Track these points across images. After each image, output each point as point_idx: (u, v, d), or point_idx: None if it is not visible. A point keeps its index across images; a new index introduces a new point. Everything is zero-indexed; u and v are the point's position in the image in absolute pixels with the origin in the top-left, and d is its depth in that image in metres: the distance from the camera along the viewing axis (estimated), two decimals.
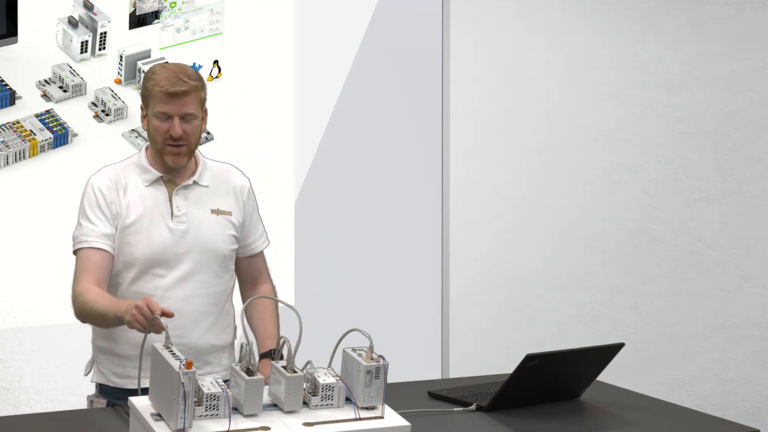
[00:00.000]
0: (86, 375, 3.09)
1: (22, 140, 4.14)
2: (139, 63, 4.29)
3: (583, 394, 3.15)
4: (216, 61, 4.43)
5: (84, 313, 2.93)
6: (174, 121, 2.92)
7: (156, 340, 2.59)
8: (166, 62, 3.06)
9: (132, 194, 2.98)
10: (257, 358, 3.02)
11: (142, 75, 4.27)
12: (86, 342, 4.28)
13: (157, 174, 3.00)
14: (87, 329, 4.03)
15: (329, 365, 2.69)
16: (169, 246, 2.97)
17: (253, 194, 3.15)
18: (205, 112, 3.05)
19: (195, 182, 3.03)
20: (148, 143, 3.05)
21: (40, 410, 4.16)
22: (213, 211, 3.04)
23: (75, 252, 2.99)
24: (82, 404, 4.24)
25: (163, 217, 2.98)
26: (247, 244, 3.14)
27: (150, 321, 2.67)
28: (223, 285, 3.07)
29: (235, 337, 3.18)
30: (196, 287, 3.01)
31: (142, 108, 3.00)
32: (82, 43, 4.21)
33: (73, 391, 4.27)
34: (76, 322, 4.25)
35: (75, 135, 4.23)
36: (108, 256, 2.95)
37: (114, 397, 2.93)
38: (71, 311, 4.16)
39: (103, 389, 3.04)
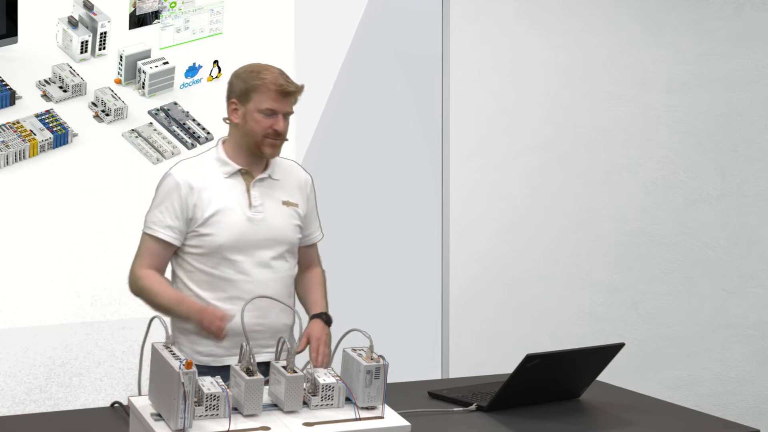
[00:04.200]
0: None
1: (22, 140, 4.14)
2: (139, 63, 4.29)
3: (583, 394, 3.15)
4: (216, 61, 4.43)
5: (141, 296, 3.17)
6: (279, 117, 3.14)
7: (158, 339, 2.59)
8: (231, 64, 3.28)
9: (212, 187, 3.16)
10: (253, 359, 3.02)
11: (143, 75, 4.28)
12: (83, 342, 4.29)
13: (236, 167, 3.19)
14: (82, 329, 4.05)
15: (329, 365, 2.70)
16: (248, 234, 3.15)
17: (314, 188, 3.38)
18: None
19: (269, 176, 3.23)
20: (225, 138, 3.23)
21: (48, 409, 4.16)
22: (284, 203, 3.24)
23: (142, 233, 3.21)
24: (89, 403, 4.25)
25: (241, 207, 3.16)
26: (307, 234, 3.34)
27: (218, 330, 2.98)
28: (291, 270, 3.27)
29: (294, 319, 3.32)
30: (272, 272, 3.18)
31: (234, 102, 3.18)
32: (82, 43, 4.21)
33: (73, 391, 4.27)
34: (75, 322, 4.27)
35: (75, 135, 4.23)
36: (167, 246, 3.17)
37: (200, 373, 2.99)
38: (67, 310, 4.17)
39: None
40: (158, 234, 3.15)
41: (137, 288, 3.16)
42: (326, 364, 3.06)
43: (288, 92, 3.14)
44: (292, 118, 3.22)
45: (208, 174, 3.18)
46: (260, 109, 3.14)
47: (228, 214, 3.14)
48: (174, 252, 3.20)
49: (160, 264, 3.17)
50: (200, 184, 3.15)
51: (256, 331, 3.10)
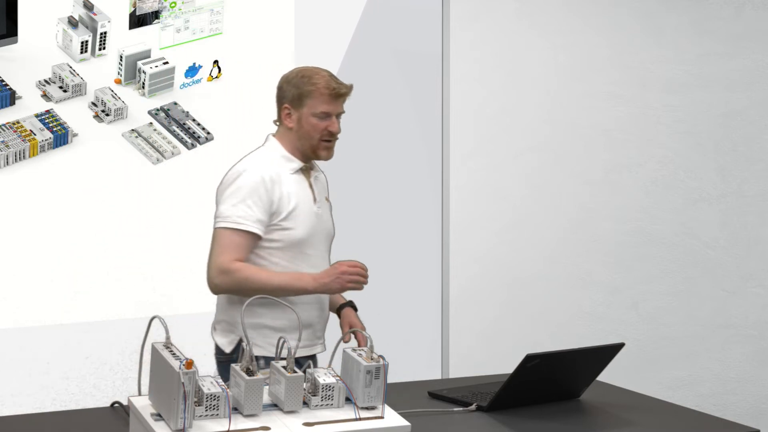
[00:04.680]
0: (229, 352, 3.27)
1: (22, 140, 4.14)
2: (139, 63, 4.29)
3: (583, 394, 3.15)
4: (216, 61, 4.43)
5: (244, 287, 3.15)
6: (333, 119, 3.26)
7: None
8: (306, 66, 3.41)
9: (286, 183, 3.25)
10: (253, 358, 3.03)
11: (143, 75, 4.28)
12: (83, 342, 4.29)
13: (300, 164, 3.30)
14: (82, 329, 4.03)
15: (329, 365, 2.70)
16: (316, 228, 3.29)
17: None
18: None
19: (316, 175, 3.38)
20: (274, 134, 3.32)
21: (39, 410, 4.16)
22: (326, 199, 3.40)
23: (222, 228, 3.19)
24: (83, 403, 4.25)
25: (309, 202, 3.29)
26: None
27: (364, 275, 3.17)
28: None
29: None
30: (326, 264, 3.32)
31: (287, 107, 3.28)
32: (82, 43, 4.21)
33: (73, 391, 4.27)
34: (72, 322, 4.27)
35: (75, 135, 4.23)
36: (255, 239, 3.21)
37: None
38: (67, 310, 4.16)
39: (267, 359, 3.20)
40: (249, 228, 3.17)
41: (234, 281, 3.16)
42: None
43: (341, 94, 3.26)
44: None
45: (278, 169, 3.26)
46: (315, 113, 3.24)
47: (302, 208, 3.25)
48: None
49: (245, 258, 3.21)
50: (278, 179, 3.23)
51: (319, 323, 3.30)
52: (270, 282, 3.16)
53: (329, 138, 3.27)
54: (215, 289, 3.19)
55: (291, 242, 3.24)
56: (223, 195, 3.23)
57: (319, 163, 3.42)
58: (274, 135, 3.33)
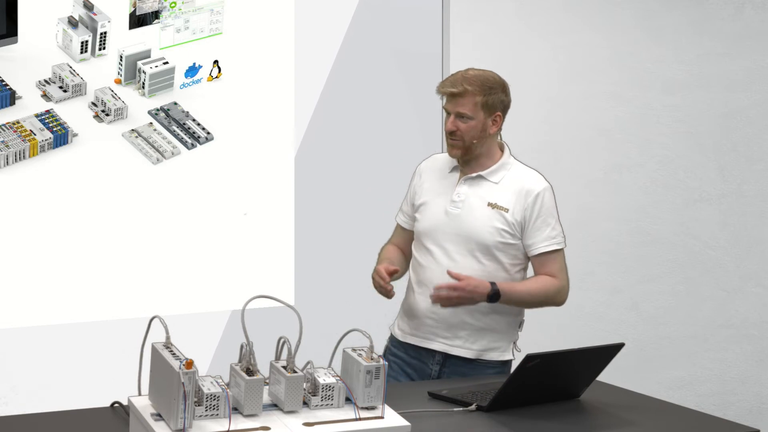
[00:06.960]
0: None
1: (22, 140, 4.14)
2: (139, 63, 4.29)
3: (583, 394, 3.15)
4: (216, 61, 4.43)
5: None
6: (451, 117, 3.33)
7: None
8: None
9: (435, 177, 3.43)
10: (254, 359, 3.02)
11: (143, 75, 4.28)
12: (83, 342, 4.29)
13: (455, 163, 3.42)
14: (82, 329, 4.04)
15: (329, 365, 2.70)
16: (441, 226, 3.36)
17: (542, 200, 3.41)
18: (498, 117, 3.41)
19: (481, 176, 3.37)
20: None
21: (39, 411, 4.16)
22: (489, 204, 3.34)
23: None
24: (83, 404, 4.24)
25: (444, 201, 3.38)
26: (529, 244, 3.39)
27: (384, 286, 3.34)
28: (485, 271, 3.33)
29: (517, 325, 3.53)
30: (455, 267, 3.31)
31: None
32: (82, 43, 4.21)
33: (73, 391, 4.27)
34: (75, 322, 4.26)
35: (75, 135, 4.23)
36: (401, 229, 3.54)
37: (408, 350, 3.43)
38: (67, 310, 4.18)
39: (392, 341, 3.53)
40: (397, 218, 3.53)
41: None
42: (442, 303, 3.26)
43: (446, 93, 3.31)
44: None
45: (442, 165, 3.44)
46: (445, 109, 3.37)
47: (432, 204, 3.39)
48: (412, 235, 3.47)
49: (400, 244, 3.51)
50: (429, 172, 3.44)
51: (429, 317, 3.36)
52: (379, 255, 3.51)
53: (450, 136, 3.33)
54: None
55: (418, 233, 3.42)
56: None
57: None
58: None
